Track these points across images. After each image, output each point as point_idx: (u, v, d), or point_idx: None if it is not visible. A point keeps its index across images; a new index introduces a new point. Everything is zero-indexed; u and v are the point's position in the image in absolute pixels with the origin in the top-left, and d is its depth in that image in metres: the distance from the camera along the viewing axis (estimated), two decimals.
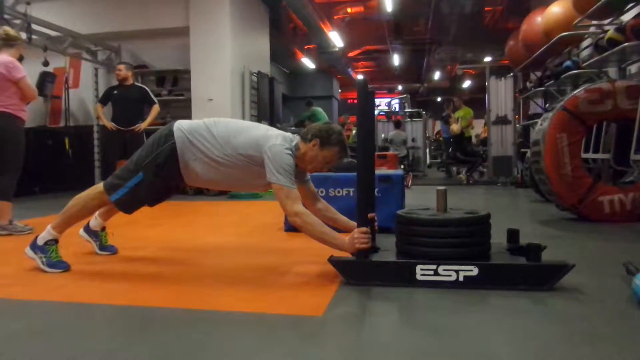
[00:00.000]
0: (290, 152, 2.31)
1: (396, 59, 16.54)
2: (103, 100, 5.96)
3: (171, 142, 2.39)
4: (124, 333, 1.63)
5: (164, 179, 2.47)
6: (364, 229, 2.13)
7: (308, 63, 14.74)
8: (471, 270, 1.99)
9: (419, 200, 5.67)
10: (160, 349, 1.47)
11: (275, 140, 2.33)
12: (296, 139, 2.44)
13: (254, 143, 2.34)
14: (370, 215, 2.22)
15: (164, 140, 2.42)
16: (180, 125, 2.44)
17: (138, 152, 2.49)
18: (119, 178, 2.46)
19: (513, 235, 2.24)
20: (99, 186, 2.53)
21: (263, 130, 2.45)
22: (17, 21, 5.98)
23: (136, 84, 5.93)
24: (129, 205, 2.50)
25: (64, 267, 2.46)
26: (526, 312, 1.75)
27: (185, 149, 2.38)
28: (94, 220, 2.87)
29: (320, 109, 10.50)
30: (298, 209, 2.23)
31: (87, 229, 2.89)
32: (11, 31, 4.01)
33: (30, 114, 8.09)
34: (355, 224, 2.20)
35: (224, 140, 2.37)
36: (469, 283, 1.99)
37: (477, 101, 13.79)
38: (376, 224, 2.41)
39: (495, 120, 8.68)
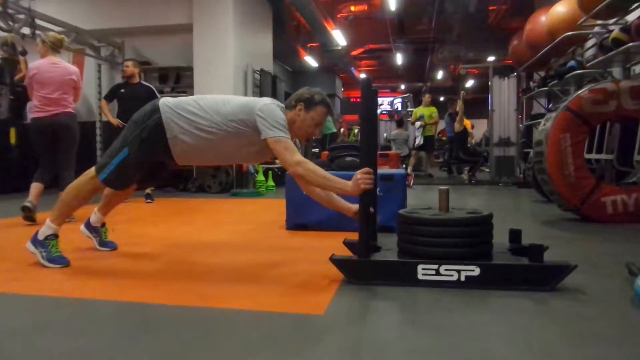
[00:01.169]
0: (281, 110, 2.34)
1: (399, 58, 16.52)
2: (108, 97, 5.94)
3: (156, 117, 2.37)
4: (125, 330, 1.63)
5: (148, 154, 2.44)
6: (367, 169, 2.12)
7: (311, 61, 14.74)
8: (473, 270, 1.98)
9: (421, 199, 5.67)
10: (161, 346, 1.47)
11: (266, 101, 2.36)
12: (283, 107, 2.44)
13: (245, 107, 2.35)
14: (371, 210, 2.21)
15: (148, 115, 2.41)
16: (166, 101, 2.44)
17: (125, 128, 2.48)
18: (107, 156, 2.47)
19: (515, 235, 2.24)
20: (91, 171, 2.52)
21: (251, 98, 2.47)
22: (21, 16, 5.97)
23: (142, 82, 5.92)
24: (116, 181, 2.49)
25: (64, 262, 2.46)
26: (528, 313, 1.74)
27: (172, 123, 2.36)
28: (94, 216, 2.87)
29: None
30: (298, 158, 2.23)
31: (88, 225, 2.89)
32: (58, 36, 4.34)
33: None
34: (352, 205, 2.22)
35: (213, 110, 2.37)
36: (471, 283, 1.98)
37: (480, 101, 13.76)
38: (378, 218, 2.36)
39: (498, 143, 8.68)
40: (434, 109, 10.68)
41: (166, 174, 2.82)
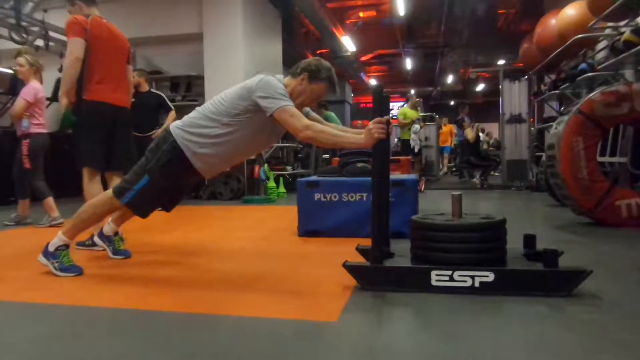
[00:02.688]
0: (279, 81, 2.32)
1: (409, 63, 16.51)
2: None
3: (171, 141, 2.41)
4: (139, 337, 1.64)
5: (171, 178, 2.47)
6: (379, 118, 2.10)
7: None
8: (487, 276, 1.97)
9: (433, 205, 5.65)
10: (175, 354, 1.48)
11: (260, 76, 2.34)
12: (281, 77, 2.43)
13: (241, 93, 2.34)
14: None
15: (163, 141, 2.45)
16: (175, 124, 2.48)
17: (143, 157, 2.51)
18: (127, 182, 2.49)
19: (530, 240, 2.22)
20: (109, 192, 2.57)
21: (242, 83, 2.43)
22: (35, 28, 6.07)
23: (152, 90, 5.95)
24: (141, 207, 2.53)
25: (77, 271, 2.49)
26: (543, 318, 1.72)
27: (186, 142, 2.39)
28: (107, 226, 2.90)
29: (332, 114, 10.50)
30: (306, 122, 2.23)
31: (101, 235, 2.93)
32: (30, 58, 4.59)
33: (47, 120, 8.26)
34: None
35: (215, 113, 2.38)
36: (485, 289, 1.97)
37: (491, 104, 13.71)
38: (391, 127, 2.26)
39: (510, 119, 8.60)
40: (414, 112, 9.59)
41: (189, 191, 2.83)
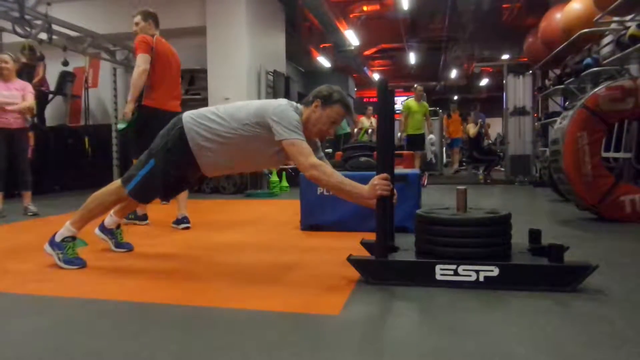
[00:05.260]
0: (295, 111, 2.32)
1: (412, 57, 16.45)
2: None
3: (179, 127, 2.43)
4: (143, 330, 1.64)
5: (174, 165, 2.48)
6: (384, 175, 2.10)
7: (324, 62, 14.73)
8: (492, 271, 1.96)
9: (435, 199, 5.64)
10: (178, 346, 1.48)
11: (280, 102, 2.36)
12: (299, 106, 2.44)
13: (258, 110, 2.35)
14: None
15: (171, 126, 2.48)
16: (188, 113, 2.51)
17: (153, 142, 2.54)
18: (134, 169, 2.52)
19: (535, 235, 2.21)
20: (117, 182, 2.59)
21: (266, 101, 2.47)
22: (38, 22, 6.06)
23: None
24: (142, 193, 2.53)
25: (80, 263, 2.49)
26: (547, 313, 1.72)
27: (193, 133, 2.40)
28: (109, 219, 2.90)
29: None
30: (313, 161, 2.22)
31: (102, 228, 2.92)
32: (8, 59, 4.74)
33: (51, 113, 8.28)
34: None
35: (229, 116, 2.39)
36: (490, 283, 1.96)
37: (495, 99, 13.65)
38: (395, 197, 2.27)
39: (513, 112, 8.56)
40: (427, 106, 8.97)
41: (189, 185, 2.84)
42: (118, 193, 2.55)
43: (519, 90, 8.62)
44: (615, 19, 5.19)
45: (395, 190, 2.22)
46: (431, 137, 9.47)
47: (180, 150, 2.42)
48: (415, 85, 9.05)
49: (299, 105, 2.44)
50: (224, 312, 1.81)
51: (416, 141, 8.78)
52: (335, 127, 2.52)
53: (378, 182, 2.08)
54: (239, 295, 2.02)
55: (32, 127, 4.48)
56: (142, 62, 3.68)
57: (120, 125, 3.98)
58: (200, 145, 2.41)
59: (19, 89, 4.70)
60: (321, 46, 13.87)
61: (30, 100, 4.72)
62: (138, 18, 3.96)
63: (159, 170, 2.45)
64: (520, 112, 8.52)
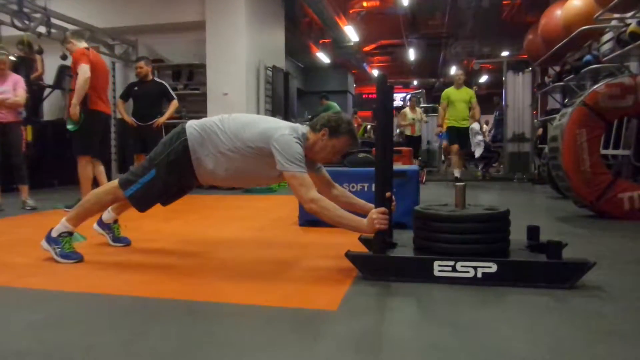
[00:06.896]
0: (298, 141, 2.31)
1: (412, 54, 16.42)
2: (124, 96, 5.89)
3: (183, 139, 2.41)
4: (139, 324, 1.63)
5: (176, 176, 2.48)
6: (382, 209, 2.11)
7: (323, 57, 14.72)
8: (490, 267, 1.96)
9: (433, 196, 5.64)
10: (175, 340, 1.48)
11: (283, 131, 2.32)
12: (305, 129, 2.43)
13: (263, 135, 2.33)
14: (387, 194, 2.19)
15: (176, 137, 2.45)
16: (192, 123, 2.48)
17: (154, 149, 2.52)
18: (134, 174, 2.50)
19: (533, 232, 2.21)
20: (115, 182, 2.57)
21: (272, 122, 2.45)
22: (37, 15, 6.04)
23: (155, 79, 5.88)
24: (142, 201, 2.52)
25: (77, 257, 2.49)
26: (545, 310, 1.72)
27: (197, 146, 2.40)
28: (107, 214, 2.90)
29: (334, 103, 10.48)
30: (313, 195, 2.22)
31: (100, 223, 2.92)
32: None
33: (49, 107, 8.25)
34: (372, 206, 2.19)
35: (234, 134, 2.37)
36: (487, 280, 1.96)
37: (495, 96, 13.63)
38: (394, 204, 2.31)
39: (512, 138, 8.55)
40: (472, 92, 7.99)
41: (189, 192, 2.83)
42: (115, 193, 2.54)
43: (518, 87, 8.61)
44: (616, 16, 5.17)
45: (394, 197, 2.26)
46: (473, 126, 8.17)
47: (184, 162, 2.42)
48: (456, 71, 8.51)
49: (304, 129, 2.42)
50: (222, 307, 1.80)
51: (459, 135, 7.68)
52: (339, 155, 2.52)
53: (377, 217, 2.09)
54: (237, 290, 2.02)
55: (26, 121, 4.50)
56: (84, 71, 4.35)
57: (72, 127, 4.45)
58: (201, 159, 2.41)
59: (11, 83, 4.71)
60: (320, 42, 13.84)
61: (20, 95, 4.72)
62: (72, 39, 4.66)
63: (160, 180, 2.44)
64: (519, 138, 8.49)
